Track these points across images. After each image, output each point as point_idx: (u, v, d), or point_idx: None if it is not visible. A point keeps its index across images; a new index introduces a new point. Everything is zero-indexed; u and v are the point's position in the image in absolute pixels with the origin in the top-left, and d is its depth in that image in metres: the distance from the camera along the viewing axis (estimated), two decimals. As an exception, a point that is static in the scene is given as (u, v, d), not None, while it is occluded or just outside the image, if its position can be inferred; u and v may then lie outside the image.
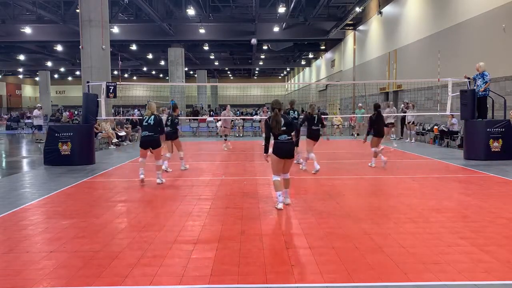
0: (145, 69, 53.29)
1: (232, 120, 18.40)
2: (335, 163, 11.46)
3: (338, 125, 23.11)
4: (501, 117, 11.94)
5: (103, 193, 7.68)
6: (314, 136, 9.79)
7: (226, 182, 8.70)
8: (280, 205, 6.15)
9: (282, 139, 6.08)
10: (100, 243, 4.78)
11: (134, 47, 37.79)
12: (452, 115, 15.09)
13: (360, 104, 21.19)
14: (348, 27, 31.28)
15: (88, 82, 12.90)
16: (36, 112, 21.24)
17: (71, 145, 11.20)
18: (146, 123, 8.16)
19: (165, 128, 9.18)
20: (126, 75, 58.07)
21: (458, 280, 3.68)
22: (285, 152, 6.09)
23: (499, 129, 11.23)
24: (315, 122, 9.70)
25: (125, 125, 19.10)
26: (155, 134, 8.15)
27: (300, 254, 4.38)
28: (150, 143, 8.18)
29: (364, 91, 25.49)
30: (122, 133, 18.08)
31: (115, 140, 16.37)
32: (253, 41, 26.41)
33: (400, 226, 5.33)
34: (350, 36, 32.98)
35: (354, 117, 21.50)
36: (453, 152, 13.22)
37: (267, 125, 6.18)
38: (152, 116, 8.16)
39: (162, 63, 46.53)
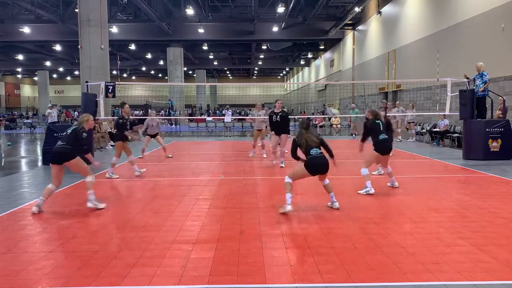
0: (144, 69, 53.32)
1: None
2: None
3: (336, 125, 23.12)
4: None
5: (102, 193, 7.66)
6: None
7: (225, 182, 8.69)
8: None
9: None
10: (99, 243, 4.78)
11: (133, 46, 37.80)
12: (444, 115, 15.15)
13: (353, 105, 21.29)
14: (347, 27, 31.31)
15: (87, 82, 12.89)
16: (48, 111, 22.38)
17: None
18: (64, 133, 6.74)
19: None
20: (125, 75, 58.07)
21: (457, 280, 3.68)
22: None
23: (498, 129, 11.24)
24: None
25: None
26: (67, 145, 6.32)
27: (299, 254, 4.37)
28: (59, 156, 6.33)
29: (363, 91, 25.51)
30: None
31: (110, 143, 16.33)
32: None
33: (399, 226, 5.33)
34: (349, 36, 33.00)
35: (350, 117, 21.54)
36: (452, 152, 13.22)
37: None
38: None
39: (161, 62, 46.56)
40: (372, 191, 7.13)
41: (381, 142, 7.24)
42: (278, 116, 10.32)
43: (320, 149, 6.02)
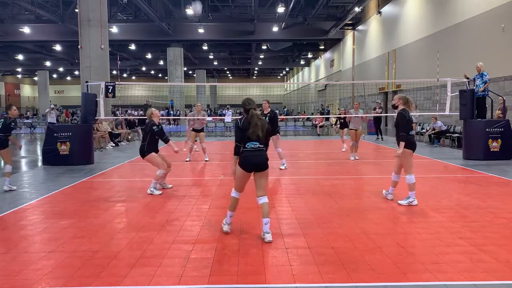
0: (144, 69, 53.29)
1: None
2: (334, 163, 11.45)
3: (336, 125, 23.10)
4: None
5: (102, 193, 7.67)
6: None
7: (225, 182, 8.69)
8: None
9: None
10: (99, 243, 4.77)
11: (133, 46, 37.79)
12: (435, 117, 15.26)
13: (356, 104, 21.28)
14: (347, 27, 31.32)
15: (87, 82, 12.89)
16: (47, 110, 22.54)
17: (70, 145, 11.20)
18: None
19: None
20: (125, 75, 58.05)
21: (457, 280, 3.68)
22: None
23: (498, 129, 11.24)
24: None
25: (118, 126, 18.98)
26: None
27: (299, 254, 4.37)
28: None
29: (363, 91, 25.50)
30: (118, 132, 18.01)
31: (110, 143, 16.33)
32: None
33: (399, 226, 5.33)
34: (349, 36, 33.00)
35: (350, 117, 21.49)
36: (452, 152, 13.23)
37: None
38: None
39: (161, 63, 46.53)
40: (415, 202, 6.32)
41: (412, 138, 6.35)
42: (267, 118, 9.41)
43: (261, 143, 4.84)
